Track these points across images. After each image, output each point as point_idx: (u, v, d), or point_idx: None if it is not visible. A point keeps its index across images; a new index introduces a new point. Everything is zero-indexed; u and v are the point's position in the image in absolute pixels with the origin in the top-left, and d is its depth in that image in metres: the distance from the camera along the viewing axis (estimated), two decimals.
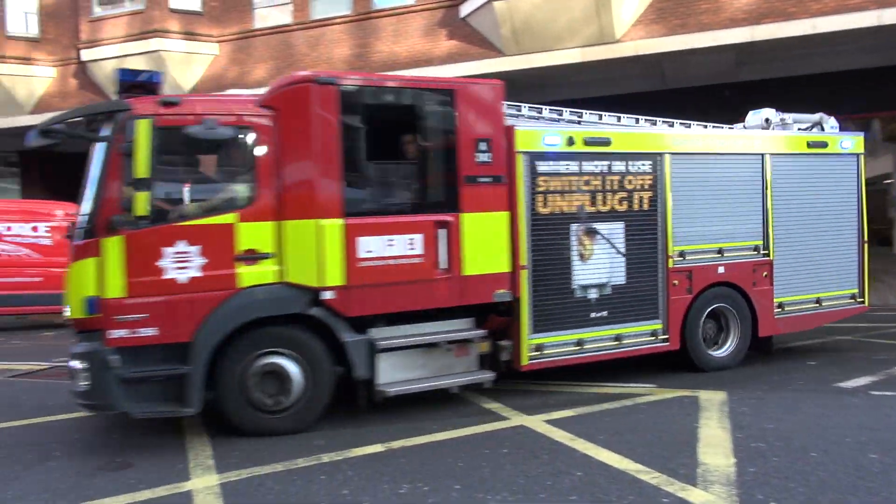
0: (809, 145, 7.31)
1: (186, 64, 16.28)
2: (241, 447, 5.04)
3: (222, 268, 4.95)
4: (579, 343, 6.17)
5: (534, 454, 4.67)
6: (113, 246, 4.77)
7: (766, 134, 7.23)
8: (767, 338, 7.26)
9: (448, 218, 5.51)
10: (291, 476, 4.44)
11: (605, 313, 6.26)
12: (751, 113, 7.67)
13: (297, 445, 5.00)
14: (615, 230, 6.31)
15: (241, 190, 5.17)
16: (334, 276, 5.12)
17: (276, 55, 15.84)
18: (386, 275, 5.26)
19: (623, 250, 6.35)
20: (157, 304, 4.84)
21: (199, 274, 4.91)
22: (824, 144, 7.38)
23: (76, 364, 4.93)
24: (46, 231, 12.55)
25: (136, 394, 4.88)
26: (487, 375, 5.74)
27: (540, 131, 6.05)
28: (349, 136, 5.17)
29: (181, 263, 4.87)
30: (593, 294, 6.22)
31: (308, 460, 4.70)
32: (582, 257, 6.17)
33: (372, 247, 5.23)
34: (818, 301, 7.34)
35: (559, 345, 6.11)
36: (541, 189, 5.98)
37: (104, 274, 4.78)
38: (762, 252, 7.02)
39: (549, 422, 5.39)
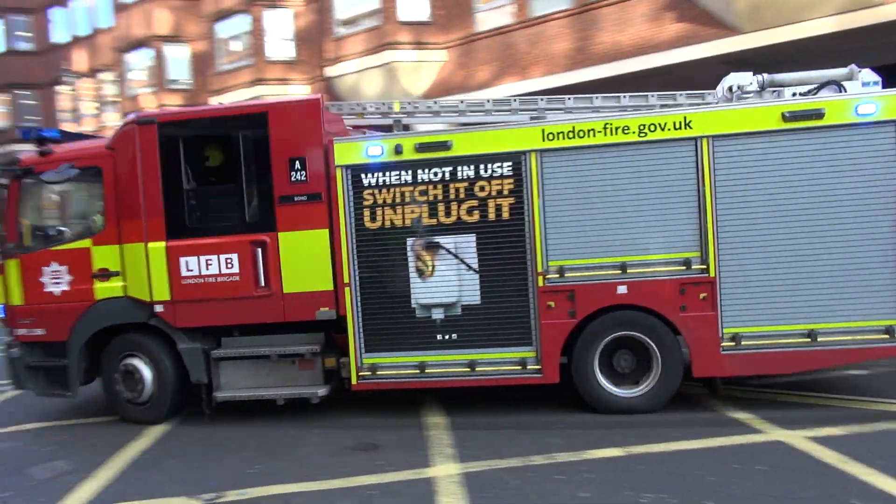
0: (787, 118, 5.27)
1: (416, 72, 17.52)
2: (479, 438, 5.35)
3: (83, 283, 6.23)
4: (421, 367, 5.73)
5: (796, 475, 4.32)
6: (12, 266, 6.42)
7: (705, 109, 5.45)
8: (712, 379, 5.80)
9: (264, 238, 5.82)
10: (528, 472, 4.61)
11: (454, 336, 5.69)
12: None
13: (533, 442, 5.19)
14: (464, 244, 5.62)
15: (96, 219, 6.37)
16: (161, 291, 6.04)
17: (498, 56, 16.36)
18: (207, 291, 5.90)
19: (476, 266, 5.63)
20: (42, 310, 6.32)
21: (67, 288, 6.27)
22: (818, 114, 5.24)
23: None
24: None
25: (36, 378, 6.46)
26: (318, 390, 5.90)
27: (361, 143, 5.72)
28: (170, 166, 5.96)
29: (55, 279, 6.30)
30: (438, 314, 5.70)
31: (544, 458, 4.85)
32: (421, 274, 5.68)
33: (192, 266, 5.93)
34: (811, 335, 5.33)
35: (396, 366, 5.78)
36: (367, 203, 5.71)
37: (9, 287, 6.46)
38: (697, 267, 5.41)
39: (813, 439, 4.93)
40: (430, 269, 5.73)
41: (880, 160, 5.22)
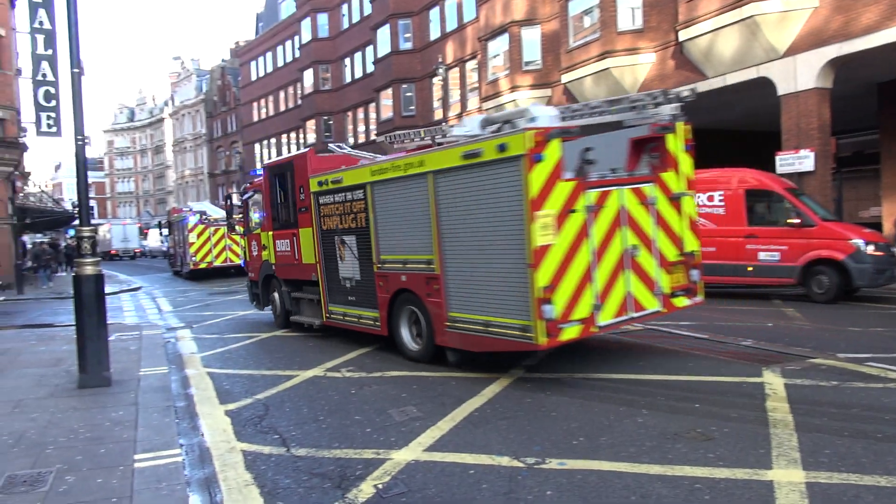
0: (464, 156, 6.91)
1: (781, 24, 15.54)
2: (835, 445, 4.61)
3: (261, 251, 11.83)
4: (342, 315, 9.39)
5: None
6: (244, 242, 12.94)
7: (428, 152, 7.46)
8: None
9: (296, 231, 10.23)
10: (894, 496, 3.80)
11: (353, 298, 9.09)
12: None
13: None
14: (351, 241, 8.95)
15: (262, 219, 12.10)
16: (272, 258, 11.32)
17: None
18: (283, 259, 10.83)
19: (357, 255, 8.88)
20: (252, 265, 12.44)
21: (256, 252, 12.19)
22: (477, 153, 6.74)
23: None
24: (720, 200, 12.84)
25: (255, 299, 12.64)
26: (315, 322, 10.25)
27: (315, 178, 9.54)
28: (271, 191, 10.88)
29: (254, 248, 12.22)
30: (348, 283, 9.16)
31: None
32: (341, 258, 9.20)
33: (279, 245, 10.91)
34: (487, 325, 6.92)
35: (336, 313, 9.54)
36: (322, 213, 9.50)
37: (245, 252, 12.92)
38: (432, 266, 7.56)
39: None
40: (343, 255, 9.19)
41: (514, 187, 6.38)
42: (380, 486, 4.46)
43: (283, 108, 54.25)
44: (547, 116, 7.02)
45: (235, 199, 13.59)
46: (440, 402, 6.41)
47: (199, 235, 24.96)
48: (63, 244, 40.54)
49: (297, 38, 50.13)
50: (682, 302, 7.45)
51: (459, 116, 33.03)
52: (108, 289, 21.54)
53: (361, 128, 43.41)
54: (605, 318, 6.70)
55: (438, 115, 34.24)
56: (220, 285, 21.84)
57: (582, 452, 4.90)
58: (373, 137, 40.06)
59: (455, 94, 33.84)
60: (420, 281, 7.66)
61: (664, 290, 7.27)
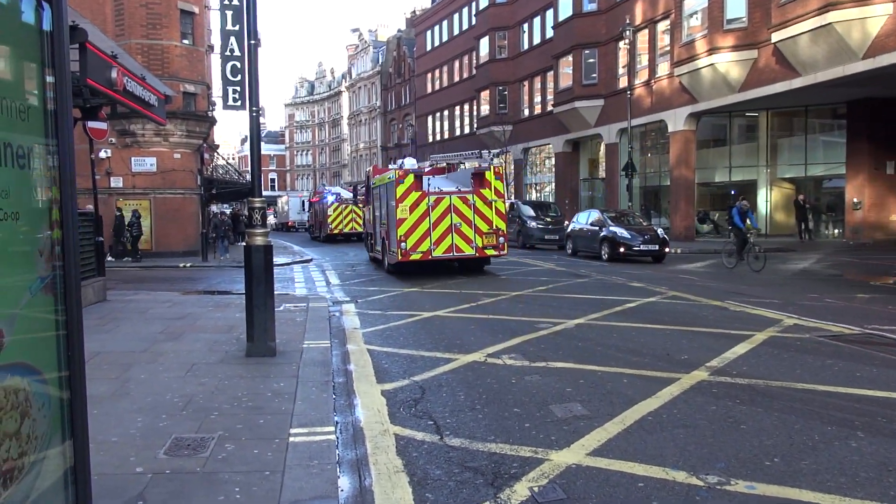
0: (387, 178, 17.32)
1: None
2: None
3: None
4: (371, 249, 21.93)
5: None
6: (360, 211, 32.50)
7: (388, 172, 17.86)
8: None
9: (367, 208, 22.62)
10: None
11: (374, 243, 20.98)
12: None
13: None
14: (375, 214, 19.88)
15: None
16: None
17: None
18: (367, 224, 23.30)
19: (374, 220, 20.22)
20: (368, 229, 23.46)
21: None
22: (389, 178, 17.27)
23: None
24: None
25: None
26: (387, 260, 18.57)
27: (373, 180, 20.31)
28: (368, 186, 22.13)
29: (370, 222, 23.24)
30: (372, 236, 21.58)
31: None
32: (371, 223, 20.97)
33: (366, 215, 23.33)
34: (395, 250, 15.73)
35: (373, 251, 21.30)
36: (372, 199, 20.68)
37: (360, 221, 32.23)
38: (384, 225, 16.97)
39: None
40: (372, 221, 20.82)
41: (393, 194, 16.57)
42: (535, 489, 4.30)
43: (456, 78, 55.22)
44: (412, 163, 16.74)
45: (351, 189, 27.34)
46: (609, 400, 6.11)
47: (334, 210, 36.31)
48: (244, 214, 44.55)
49: (473, 4, 50.63)
50: (490, 252, 16.50)
51: (647, 84, 31.51)
52: (280, 260, 23.47)
53: (537, 98, 43.01)
54: (437, 253, 16.02)
55: (623, 82, 32.96)
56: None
57: (776, 476, 4.40)
58: (549, 108, 39.53)
59: (643, 60, 32.34)
60: (385, 232, 16.82)
61: (478, 245, 16.30)
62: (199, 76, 27.19)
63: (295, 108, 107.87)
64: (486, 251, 16.48)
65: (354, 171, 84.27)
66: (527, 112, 43.89)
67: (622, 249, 20.87)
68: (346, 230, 35.95)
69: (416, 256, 16.02)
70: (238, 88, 24.19)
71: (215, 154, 39.15)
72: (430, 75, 59.55)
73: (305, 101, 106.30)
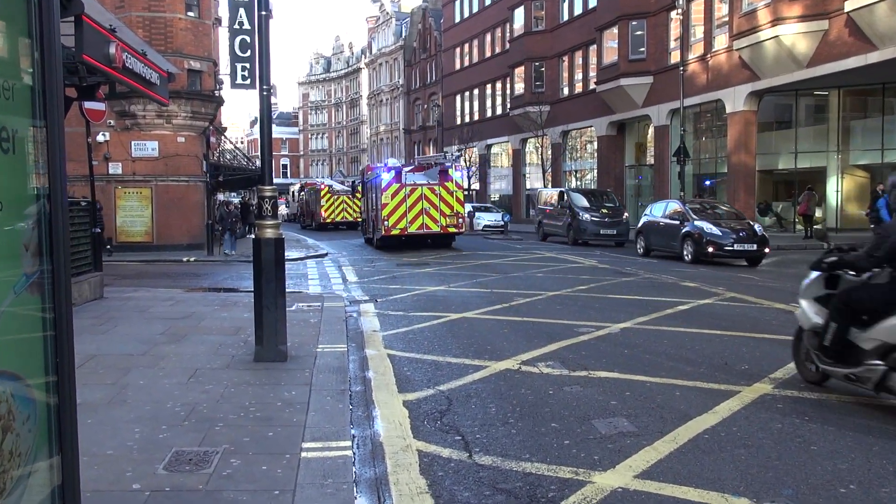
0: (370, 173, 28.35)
1: None
2: None
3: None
4: (364, 231, 30.90)
5: None
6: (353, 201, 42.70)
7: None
8: None
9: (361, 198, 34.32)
10: None
11: (367, 226, 29.82)
12: None
13: None
14: (367, 202, 30.14)
15: None
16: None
17: None
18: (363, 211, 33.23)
19: (364, 208, 30.78)
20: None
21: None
22: (373, 171, 27.85)
23: None
24: None
25: None
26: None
27: (364, 176, 31.18)
28: (364, 180, 31.21)
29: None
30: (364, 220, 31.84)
31: None
32: (364, 210, 31.27)
33: (362, 204, 33.44)
34: (382, 227, 24.29)
35: (366, 233, 30.66)
36: (364, 191, 31.08)
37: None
38: (374, 211, 25.96)
39: None
40: (365, 208, 30.66)
41: (380, 186, 25.40)
42: None
43: (488, 53, 55.08)
44: (395, 162, 27.48)
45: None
46: (659, 415, 6.01)
47: (327, 200, 43.36)
48: (253, 204, 44.99)
49: None
50: (452, 230, 24.67)
51: (702, 59, 31.10)
52: (292, 254, 23.60)
53: (578, 75, 42.75)
54: (412, 230, 24.18)
55: (675, 57, 32.56)
56: (409, 256, 22.80)
57: None
58: (592, 87, 39.23)
59: (697, 32, 31.93)
60: (374, 216, 25.25)
61: (442, 224, 24.32)
62: (206, 52, 27.44)
63: (309, 87, 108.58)
64: (448, 229, 24.95)
65: (374, 157, 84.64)
66: (566, 91, 43.62)
67: (711, 249, 18.78)
68: (338, 219, 43.53)
69: (395, 232, 24.33)
70: (248, 65, 24.33)
71: (222, 138, 39.53)
72: (458, 50, 59.48)
73: (321, 79, 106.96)
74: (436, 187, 24.56)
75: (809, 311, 6.71)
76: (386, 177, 24.30)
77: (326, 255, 24.65)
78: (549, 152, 44.19)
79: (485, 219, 38.84)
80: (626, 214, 28.03)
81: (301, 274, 18.50)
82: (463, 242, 27.68)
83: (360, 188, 32.57)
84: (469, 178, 49.24)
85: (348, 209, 42.92)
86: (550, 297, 12.98)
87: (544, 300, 12.59)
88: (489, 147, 55.14)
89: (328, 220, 42.88)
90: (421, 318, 10.97)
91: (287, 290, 8.66)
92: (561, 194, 29.14)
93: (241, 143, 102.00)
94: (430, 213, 24.45)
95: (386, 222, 24.14)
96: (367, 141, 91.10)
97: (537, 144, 44.88)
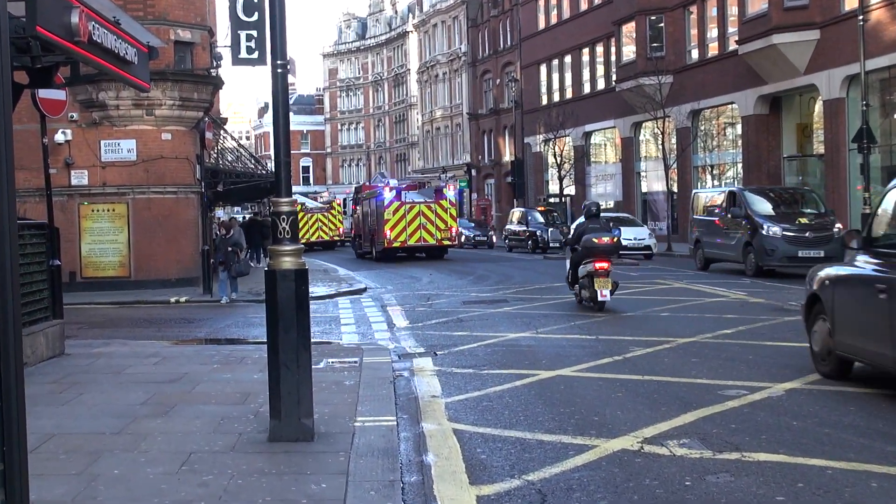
0: (370, 193, 45.72)
1: None
2: None
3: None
4: (360, 247, 49.02)
5: None
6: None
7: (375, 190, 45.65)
8: None
9: (356, 214, 53.52)
10: None
11: (363, 241, 47.57)
12: None
13: None
14: (362, 218, 48.96)
15: None
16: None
17: None
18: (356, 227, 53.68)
19: (362, 224, 49.53)
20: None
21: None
22: (374, 190, 44.51)
23: None
24: None
25: None
26: None
27: (362, 194, 49.33)
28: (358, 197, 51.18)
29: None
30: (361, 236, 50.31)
31: None
32: (359, 225, 49.98)
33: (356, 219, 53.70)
34: (382, 241, 40.71)
35: (360, 248, 48.76)
36: (360, 207, 49.26)
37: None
38: (372, 225, 43.21)
39: None
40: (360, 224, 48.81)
41: (381, 204, 41.63)
42: None
43: (584, 6, 55.26)
44: (395, 182, 44.93)
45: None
46: None
47: (300, 219, 49.22)
48: (263, 219, 45.83)
49: None
50: (446, 242, 40.69)
51: (891, 2, 30.55)
52: (318, 290, 23.68)
53: (712, 32, 42.41)
54: (410, 242, 39.59)
55: (851, 2, 32.03)
56: (479, 289, 22.76)
57: None
58: (732, 47, 38.84)
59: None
60: (373, 231, 41.77)
61: (438, 238, 39.92)
62: (199, 17, 28.09)
63: (338, 60, 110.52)
64: (443, 242, 39.86)
65: (428, 155, 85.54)
66: (695, 54, 43.33)
67: None
68: (314, 239, 54.18)
69: (396, 244, 38.70)
70: (254, 33, 24.53)
71: (222, 132, 40.35)
72: (541, 2, 59.75)
73: (354, 48, 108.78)
74: (432, 204, 39.62)
75: None
76: (388, 195, 39.33)
77: (365, 290, 24.79)
78: (674, 140, 43.81)
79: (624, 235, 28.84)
80: (838, 226, 25.40)
81: (331, 318, 18.66)
82: (550, 268, 27.49)
83: (349, 204, 53.14)
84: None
85: (324, 228, 56.07)
86: (682, 345, 12.79)
87: (673, 350, 12.43)
88: (587, 136, 55.04)
89: (302, 242, 53.32)
90: (499, 378, 10.91)
91: (313, 339, 8.69)
92: (731, 196, 27.23)
93: (247, 138, 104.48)
94: (427, 228, 39.31)
95: (388, 235, 38.74)
96: (417, 132, 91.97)
97: (656, 130, 44.49)
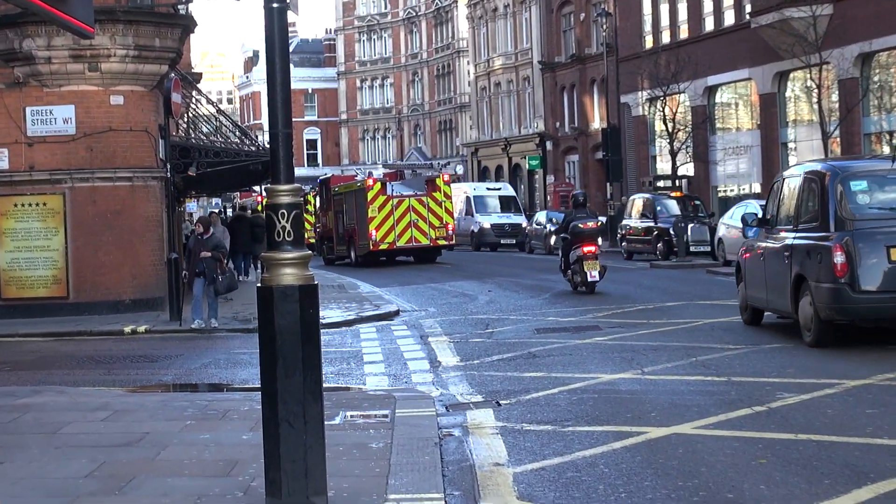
0: (354, 184, 58.53)
1: None
2: None
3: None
4: (334, 251, 62.00)
5: None
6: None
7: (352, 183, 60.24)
8: None
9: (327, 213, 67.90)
10: None
11: (340, 242, 61.21)
12: None
13: None
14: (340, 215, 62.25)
15: None
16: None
17: None
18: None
19: (340, 222, 62.33)
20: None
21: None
22: (354, 184, 59.72)
23: None
24: None
25: None
26: None
27: (334, 186, 62.79)
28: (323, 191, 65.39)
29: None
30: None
31: None
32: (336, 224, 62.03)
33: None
34: (363, 243, 52.60)
35: (331, 253, 63.20)
36: (333, 202, 61.70)
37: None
38: (352, 224, 54.90)
39: None
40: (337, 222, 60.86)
41: (365, 198, 54.15)
42: None
43: None
44: (379, 173, 63.75)
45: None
46: None
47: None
48: (254, 214, 46.14)
49: None
50: (441, 242, 51.42)
51: None
52: (331, 315, 23.66)
53: None
54: (400, 243, 50.22)
55: None
56: (560, 313, 22.71)
57: None
58: None
59: None
60: (352, 231, 52.80)
61: (432, 237, 50.62)
62: None
63: None
64: (438, 241, 48.78)
65: (484, 123, 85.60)
66: None
67: None
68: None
69: (383, 247, 47.37)
70: None
71: (195, 94, 40.52)
72: None
73: None
74: (424, 198, 47.87)
75: None
76: (372, 189, 46.62)
77: (397, 313, 24.85)
78: (835, 97, 43.40)
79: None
80: None
81: (350, 353, 18.70)
82: (664, 281, 27.33)
83: (315, 202, 62.02)
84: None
85: None
86: (852, 389, 12.70)
87: (839, 396, 12.35)
88: (710, 91, 54.81)
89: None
90: (590, 438, 10.89)
91: (325, 384, 8.68)
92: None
93: (230, 102, 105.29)
94: (420, 226, 47.10)
95: (374, 237, 45.93)
96: (468, 89, 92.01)
97: (809, 82, 44.07)
